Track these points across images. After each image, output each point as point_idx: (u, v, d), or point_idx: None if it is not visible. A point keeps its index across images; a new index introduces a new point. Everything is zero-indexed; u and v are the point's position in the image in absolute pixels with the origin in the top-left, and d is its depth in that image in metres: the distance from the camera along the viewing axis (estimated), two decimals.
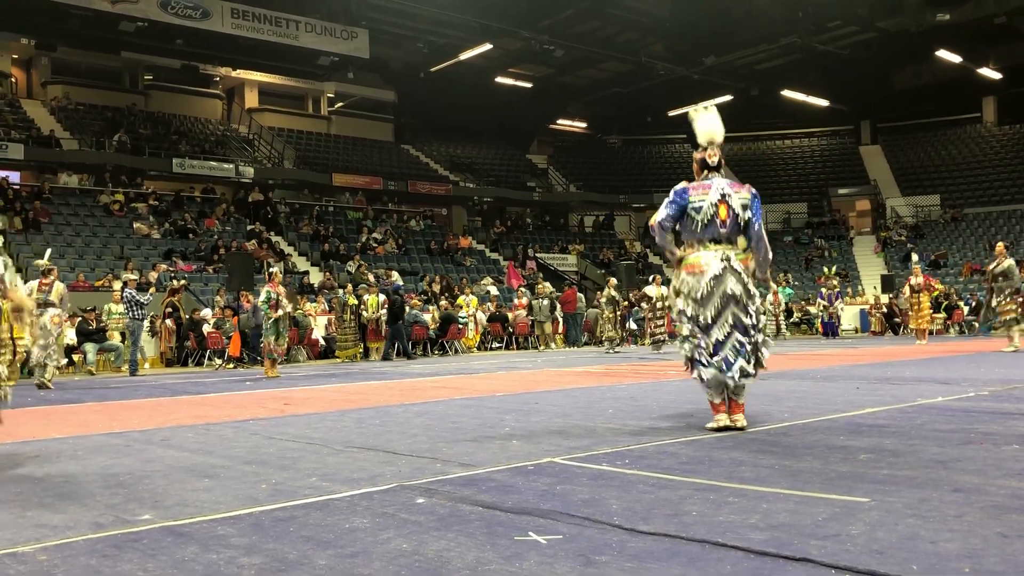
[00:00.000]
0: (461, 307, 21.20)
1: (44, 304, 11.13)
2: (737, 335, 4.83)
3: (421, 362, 16.47)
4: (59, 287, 11.64)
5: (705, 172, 5.06)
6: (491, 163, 37.08)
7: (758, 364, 4.95)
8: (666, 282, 16.15)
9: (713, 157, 5.04)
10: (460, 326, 20.48)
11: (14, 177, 24.68)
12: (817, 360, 12.56)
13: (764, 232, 5.05)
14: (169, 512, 3.20)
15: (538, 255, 31.31)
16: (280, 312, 12.54)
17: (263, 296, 12.82)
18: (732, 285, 4.85)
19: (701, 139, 5.09)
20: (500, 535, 2.72)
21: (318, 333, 19.49)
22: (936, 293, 19.00)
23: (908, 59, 32.91)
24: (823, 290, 23.72)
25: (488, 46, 28.77)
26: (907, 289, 17.83)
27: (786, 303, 26.05)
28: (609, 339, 18.46)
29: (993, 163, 36.66)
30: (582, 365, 12.84)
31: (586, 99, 37.32)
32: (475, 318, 21.27)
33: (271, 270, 14.07)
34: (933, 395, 6.66)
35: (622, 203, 37.86)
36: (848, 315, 27.33)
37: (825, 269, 27.67)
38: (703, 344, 4.87)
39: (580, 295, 23.36)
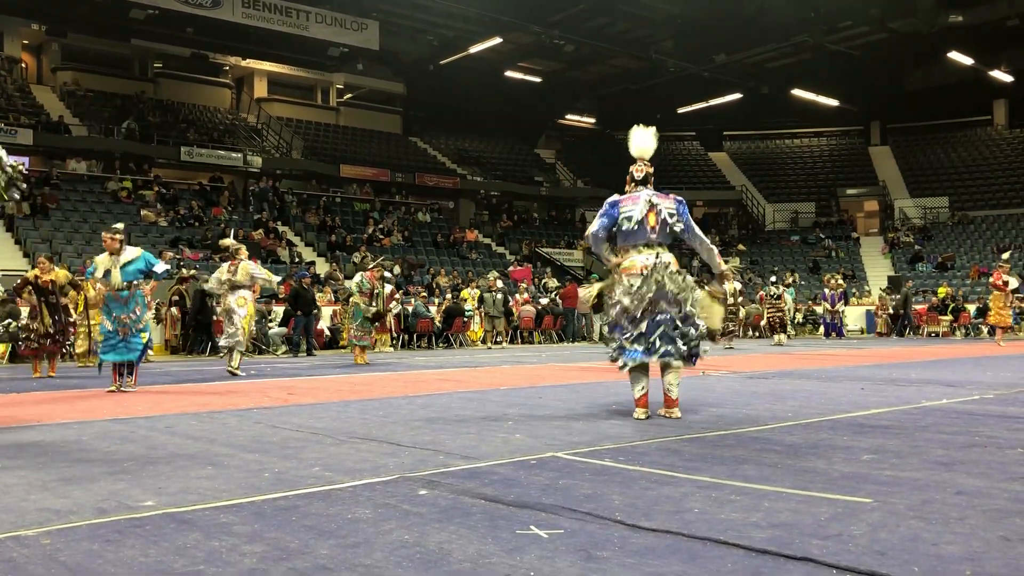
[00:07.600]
0: (466, 300, 21.16)
1: (232, 287, 10.42)
2: (666, 325, 5.29)
3: (425, 354, 16.48)
4: (245, 266, 10.54)
5: (634, 185, 5.62)
6: (499, 157, 37.03)
7: (692, 355, 5.39)
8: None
9: (640, 172, 5.64)
10: (465, 319, 20.48)
11: (23, 162, 24.78)
12: (822, 360, 12.54)
13: (698, 230, 5.65)
14: (172, 499, 3.21)
15: (544, 250, 31.27)
16: (364, 300, 12.93)
17: (356, 282, 13.30)
18: (662, 280, 5.30)
19: (633, 153, 5.73)
20: (502, 528, 2.72)
21: (323, 324, 19.49)
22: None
23: (919, 60, 32.71)
24: (826, 290, 23.66)
25: (498, 40, 28.69)
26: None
27: (792, 303, 25.97)
28: None
29: (1003, 166, 36.48)
30: (587, 361, 12.83)
31: (595, 94, 37.19)
32: (480, 312, 21.22)
33: (368, 260, 14.58)
34: (938, 397, 6.65)
35: None
36: (854, 316, 27.25)
37: (825, 274, 27.50)
38: (631, 335, 5.32)
39: (581, 291, 23.20)
